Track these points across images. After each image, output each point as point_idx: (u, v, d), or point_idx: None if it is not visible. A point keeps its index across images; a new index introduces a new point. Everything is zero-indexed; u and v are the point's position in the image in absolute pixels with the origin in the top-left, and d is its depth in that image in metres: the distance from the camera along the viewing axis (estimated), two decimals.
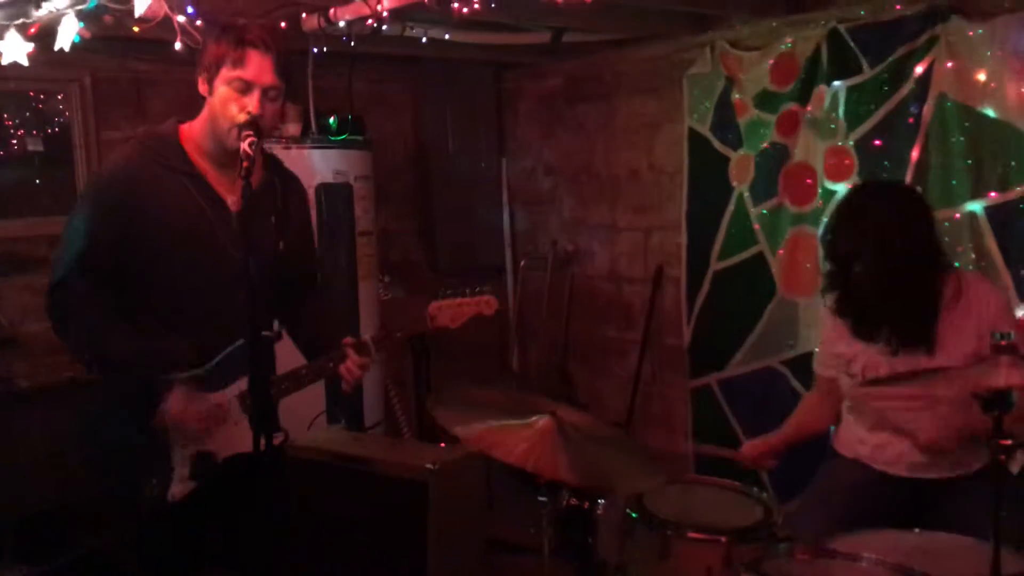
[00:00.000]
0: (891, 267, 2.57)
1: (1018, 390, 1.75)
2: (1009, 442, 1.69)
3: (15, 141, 3.81)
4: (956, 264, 2.99)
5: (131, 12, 2.60)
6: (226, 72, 2.22)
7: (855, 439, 2.83)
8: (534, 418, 2.50)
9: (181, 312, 2.30)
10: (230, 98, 2.22)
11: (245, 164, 2.08)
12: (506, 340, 5.43)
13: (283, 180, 2.43)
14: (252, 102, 2.20)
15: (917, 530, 2.32)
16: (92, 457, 2.39)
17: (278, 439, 2.34)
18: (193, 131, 2.33)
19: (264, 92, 2.22)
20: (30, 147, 3.78)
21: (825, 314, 2.89)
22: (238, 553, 2.42)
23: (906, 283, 2.59)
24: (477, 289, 2.56)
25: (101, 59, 4.04)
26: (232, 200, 2.24)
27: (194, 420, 2.26)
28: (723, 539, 2.54)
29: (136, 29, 2.50)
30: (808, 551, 2.00)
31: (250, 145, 2.11)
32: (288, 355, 2.49)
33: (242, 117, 2.18)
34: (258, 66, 2.20)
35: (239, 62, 2.20)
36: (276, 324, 2.38)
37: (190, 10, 2.53)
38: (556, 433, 2.46)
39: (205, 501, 2.32)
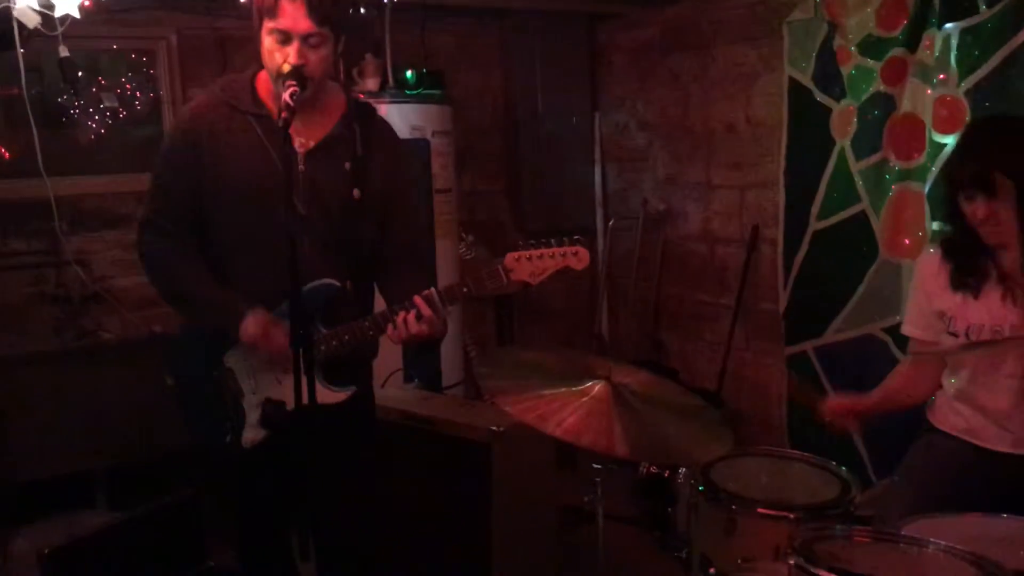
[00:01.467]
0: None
1: None
2: None
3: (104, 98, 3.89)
4: None
5: None
6: (267, 23, 2.16)
7: (953, 411, 2.59)
8: (588, 383, 2.37)
9: (246, 255, 2.29)
10: (273, 49, 2.17)
11: (284, 115, 2.03)
12: (594, 303, 5.29)
13: (367, 128, 2.35)
14: (292, 52, 2.13)
15: (1005, 515, 2.09)
16: (179, 401, 2.42)
17: (346, 394, 2.33)
18: (267, 75, 2.29)
19: (304, 40, 2.14)
20: (105, 103, 3.85)
21: (926, 262, 2.63)
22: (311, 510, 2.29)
23: None
24: (564, 239, 2.17)
25: (187, 18, 4.09)
26: (300, 142, 2.24)
27: (271, 342, 2.21)
28: (792, 516, 2.38)
29: None
30: (867, 534, 1.81)
31: (292, 96, 2.07)
32: None
33: (285, 68, 2.13)
34: (292, 14, 2.11)
35: (273, 12, 2.13)
36: (348, 283, 2.30)
37: None
38: (612, 401, 2.32)
39: (280, 453, 2.26)
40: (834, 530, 1.90)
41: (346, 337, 2.28)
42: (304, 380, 1.96)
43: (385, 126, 2.46)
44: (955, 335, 2.50)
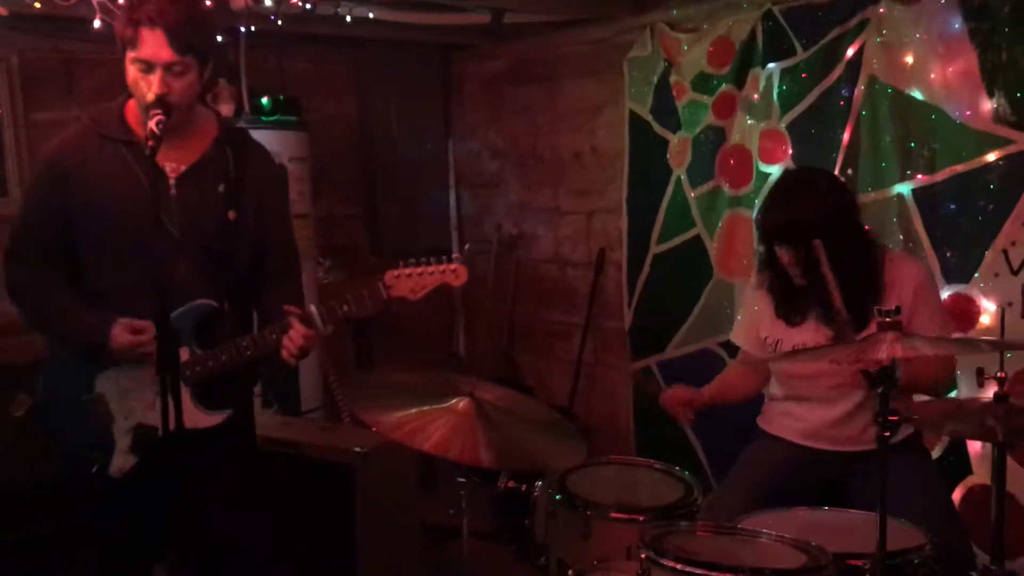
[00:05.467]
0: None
1: (901, 366, 1.77)
2: (895, 418, 1.71)
3: None
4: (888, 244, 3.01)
5: None
6: (129, 53, 2.21)
7: (778, 415, 2.85)
8: (453, 401, 2.49)
9: (120, 280, 2.30)
10: (137, 78, 2.22)
11: (151, 144, 2.07)
12: (451, 324, 5.42)
13: (240, 151, 2.40)
14: (155, 82, 2.18)
15: (827, 508, 2.34)
16: (42, 429, 2.39)
17: (220, 418, 2.35)
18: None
19: (167, 68, 2.18)
20: None
21: (751, 289, 2.90)
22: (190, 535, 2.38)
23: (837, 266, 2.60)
24: (443, 257, 2.29)
25: (29, 39, 3.97)
26: (171, 166, 2.29)
27: (144, 340, 2.23)
28: (641, 518, 2.57)
29: (38, 5, 2.43)
30: (709, 528, 2.01)
31: (157, 124, 2.11)
32: None
33: (149, 97, 2.17)
34: (152, 44, 2.16)
35: (134, 43, 2.17)
36: (226, 304, 2.34)
37: None
38: (476, 416, 2.45)
39: (151, 480, 2.26)
40: (680, 526, 2.09)
41: (223, 357, 2.31)
42: (171, 403, 2.00)
43: (260, 148, 2.52)
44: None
